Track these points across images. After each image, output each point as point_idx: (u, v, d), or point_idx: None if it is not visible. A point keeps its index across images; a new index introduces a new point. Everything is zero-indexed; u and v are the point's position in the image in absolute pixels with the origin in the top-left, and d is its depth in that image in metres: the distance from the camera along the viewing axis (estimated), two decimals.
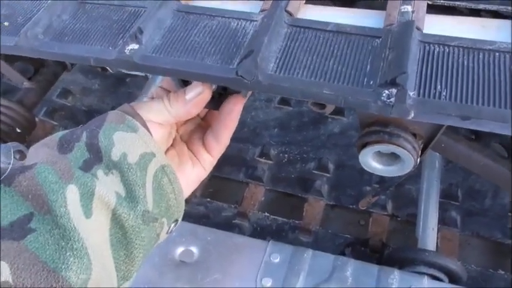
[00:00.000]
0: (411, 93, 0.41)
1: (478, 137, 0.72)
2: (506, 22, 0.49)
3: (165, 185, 0.40)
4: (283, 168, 1.05)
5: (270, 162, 1.07)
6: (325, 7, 0.54)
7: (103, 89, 1.22)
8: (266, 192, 1.02)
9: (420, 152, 0.60)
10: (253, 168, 1.05)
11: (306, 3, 0.55)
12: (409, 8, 0.48)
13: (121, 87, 1.21)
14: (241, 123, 0.99)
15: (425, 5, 0.50)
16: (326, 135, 1.09)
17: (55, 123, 1.17)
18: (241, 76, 0.43)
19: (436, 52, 0.44)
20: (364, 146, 0.59)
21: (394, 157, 0.60)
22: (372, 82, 0.42)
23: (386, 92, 0.41)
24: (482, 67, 0.43)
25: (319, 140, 1.08)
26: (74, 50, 0.51)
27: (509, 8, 0.49)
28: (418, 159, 0.60)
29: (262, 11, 0.51)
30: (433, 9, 0.51)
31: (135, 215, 0.36)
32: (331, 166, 1.04)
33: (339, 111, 1.09)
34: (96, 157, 0.38)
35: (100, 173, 0.37)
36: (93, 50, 0.50)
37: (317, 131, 1.09)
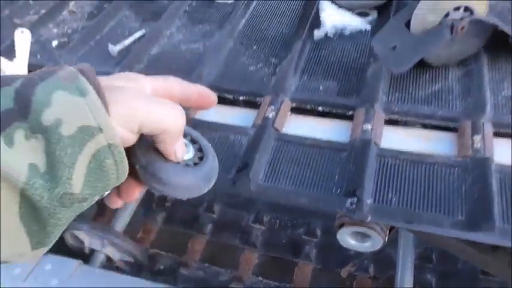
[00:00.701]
0: (368, 201, 0.53)
1: None
2: (447, 134, 0.62)
3: (107, 166, 0.33)
4: (275, 233, 1.16)
5: (263, 227, 1.18)
6: (306, 117, 0.68)
7: None
8: (260, 256, 1.12)
9: (388, 231, 0.72)
10: (248, 234, 1.16)
11: (290, 114, 0.68)
12: (369, 126, 0.61)
13: None
14: None
15: (383, 121, 0.63)
16: None
17: None
18: (237, 186, 0.56)
19: (389, 164, 0.57)
20: (342, 226, 0.71)
21: (366, 236, 0.72)
22: (338, 191, 0.55)
23: (349, 200, 0.53)
24: (424, 178, 0.55)
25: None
26: None
27: (450, 123, 0.62)
28: (386, 238, 0.71)
29: (254, 125, 0.64)
30: (390, 123, 0.64)
31: (50, 197, 0.30)
32: (318, 232, 1.15)
33: None
34: (21, 111, 0.30)
35: (19, 134, 0.29)
36: None
37: None
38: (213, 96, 0.41)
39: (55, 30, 0.89)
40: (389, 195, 0.54)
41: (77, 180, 0.31)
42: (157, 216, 1.22)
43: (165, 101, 0.37)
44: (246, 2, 0.89)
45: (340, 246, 1.06)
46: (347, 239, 0.73)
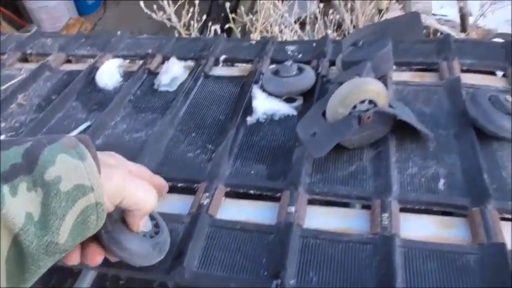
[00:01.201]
0: (291, 282, 0.59)
1: None
2: (363, 212, 0.70)
3: (90, 222, 0.38)
4: None
5: None
6: (239, 201, 0.74)
7: None
8: None
9: None
10: None
11: (225, 199, 0.74)
12: (293, 208, 0.68)
13: None
14: None
15: (306, 202, 0.71)
16: None
17: None
18: (171, 275, 0.60)
19: (311, 244, 0.64)
20: None
21: None
22: (266, 273, 0.61)
23: (275, 282, 0.59)
24: (340, 255, 0.62)
25: None
26: None
27: (364, 202, 0.71)
28: None
29: (189, 213, 0.70)
30: (312, 203, 0.72)
31: (38, 244, 0.34)
32: None
33: None
34: (27, 166, 0.35)
35: (22, 186, 0.34)
36: None
37: None
38: (167, 187, 0.53)
39: (3, 125, 0.93)
40: (310, 274, 0.60)
41: (64, 231, 0.35)
42: None
43: (145, 183, 0.50)
44: (186, 90, 0.97)
45: None
46: None
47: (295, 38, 1.91)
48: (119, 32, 1.19)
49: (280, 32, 1.91)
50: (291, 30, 1.93)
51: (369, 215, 0.68)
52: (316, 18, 2.14)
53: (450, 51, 0.99)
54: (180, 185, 0.76)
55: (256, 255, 0.63)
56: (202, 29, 2.39)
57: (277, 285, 0.59)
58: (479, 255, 0.60)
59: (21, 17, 4.24)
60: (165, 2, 1.98)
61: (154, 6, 2.02)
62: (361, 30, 1.03)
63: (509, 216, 0.66)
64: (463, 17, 3.02)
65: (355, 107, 0.74)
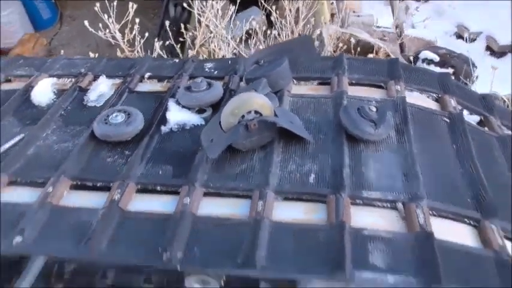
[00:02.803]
0: (178, 254, 0.74)
1: None
2: (246, 201, 0.85)
3: None
4: None
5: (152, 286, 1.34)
6: (148, 196, 0.88)
7: None
8: None
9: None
10: None
11: (136, 195, 0.88)
12: (188, 200, 0.83)
13: None
14: None
15: (202, 194, 0.86)
16: None
17: None
18: (83, 254, 0.74)
19: (199, 227, 0.79)
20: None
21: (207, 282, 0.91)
22: (160, 249, 0.75)
23: (165, 254, 0.73)
24: (221, 235, 0.77)
25: None
26: None
27: (249, 193, 0.86)
28: (223, 283, 0.91)
29: (103, 207, 0.83)
30: (207, 195, 0.87)
31: None
32: None
33: None
34: None
35: None
36: None
37: None
38: None
39: None
40: (195, 249, 0.75)
41: None
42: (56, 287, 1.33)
43: None
44: (111, 104, 1.11)
45: None
46: (193, 284, 0.93)
47: (230, 53, 2.07)
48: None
49: (219, 48, 2.08)
50: (228, 45, 2.09)
51: (250, 203, 0.83)
52: (256, 33, 2.31)
53: (342, 67, 1.17)
54: (98, 184, 0.90)
55: (155, 237, 0.77)
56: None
57: (167, 257, 0.73)
58: (328, 231, 0.76)
59: None
60: (110, 20, 2.10)
61: (100, 25, 2.14)
62: (263, 50, 1.20)
63: (361, 202, 0.83)
64: (398, 29, 3.28)
65: (243, 116, 0.90)
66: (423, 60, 2.71)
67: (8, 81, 1.27)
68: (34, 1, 4.41)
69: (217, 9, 2.15)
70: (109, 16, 2.13)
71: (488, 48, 4.10)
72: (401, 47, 3.31)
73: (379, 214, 0.81)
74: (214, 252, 0.75)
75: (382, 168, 0.89)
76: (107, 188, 0.89)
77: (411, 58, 2.81)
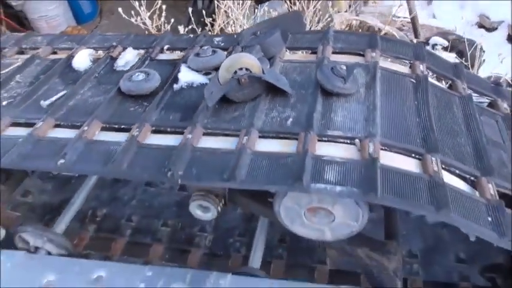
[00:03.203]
0: (180, 172, 0.97)
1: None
2: (234, 139, 1.07)
3: None
4: (177, 232, 1.58)
5: (168, 229, 1.59)
6: (162, 135, 1.12)
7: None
8: (164, 248, 1.52)
9: (221, 204, 1.15)
10: (156, 233, 1.57)
11: (151, 134, 1.12)
12: (190, 136, 1.06)
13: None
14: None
15: (201, 133, 1.09)
16: None
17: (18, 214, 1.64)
18: (109, 171, 0.99)
19: (197, 155, 1.02)
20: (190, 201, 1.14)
21: (207, 208, 1.14)
22: (165, 169, 0.98)
23: (169, 172, 0.97)
24: (214, 161, 1.00)
25: None
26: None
27: (237, 133, 1.08)
28: (220, 209, 1.14)
29: (125, 141, 1.08)
30: (207, 134, 1.09)
31: None
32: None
33: None
34: None
35: None
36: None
37: None
38: None
39: (5, 94, 1.32)
40: (193, 170, 0.98)
41: None
42: (89, 227, 1.61)
43: None
44: (135, 69, 1.36)
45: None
46: (195, 210, 1.16)
47: None
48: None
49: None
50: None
51: (236, 140, 1.05)
52: None
53: (327, 38, 1.37)
54: (122, 126, 1.14)
55: (162, 161, 1.01)
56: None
57: (170, 174, 0.96)
58: (295, 157, 0.97)
59: (23, 26, 4.65)
60: (141, 9, 2.37)
61: (132, 12, 2.41)
62: (259, 23, 1.42)
63: (326, 139, 1.03)
64: (413, 20, 3.40)
65: (235, 72, 1.12)
66: (433, 46, 2.83)
67: (54, 53, 1.55)
68: None
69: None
70: (140, 5, 2.40)
71: (509, 36, 4.13)
72: (417, 34, 3.42)
73: (340, 147, 1.02)
74: (207, 171, 0.98)
75: (347, 114, 1.10)
76: (128, 129, 1.13)
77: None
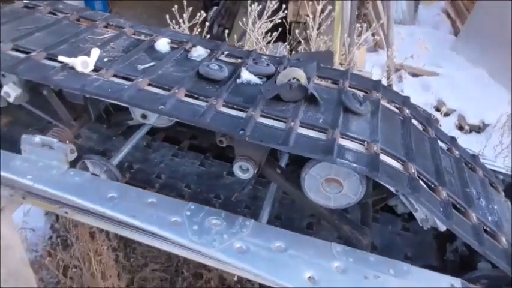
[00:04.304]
0: (247, 133, 1.40)
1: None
2: (281, 123, 1.53)
3: None
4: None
5: (190, 191, 1.96)
6: (229, 109, 1.56)
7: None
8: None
9: (257, 169, 1.58)
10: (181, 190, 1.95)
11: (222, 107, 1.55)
12: (252, 114, 1.50)
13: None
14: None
15: (259, 115, 1.53)
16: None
17: None
18: (200, 121, 1.41)
19: (256, 127, 1.46)
20: (235, 161, 1.56)
21: (245, 169, 1.57)
22: (239, 129, 1.42)
23: (241, 132, 1.40)
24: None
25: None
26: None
27: (284, 119, 1.54)
28: (256, 172, 1.57)
29: (204, 107, 1.50)
30: (264, 117, 1.54)
31: None
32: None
33: None
34: None
35: None
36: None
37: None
38: None
39: (105, 54, 1.71)
40: (256, 135, 1.42)
41: None
42: (126, 174, 1.96)
43: None
44: (212, 55, 1.80)
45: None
46: (237, 171, 1.58)
47: None
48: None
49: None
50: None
51: (284, 124, 1.50)
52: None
53: (346, 76, 1.89)
54: (201, 97, 1.57)
55: (235, 124, 1.44)
56: None
57: (242, 132, 1.39)
58: (325, 141, 1.44)
59: None
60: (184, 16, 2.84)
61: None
62: (302, 53, 1.92)
63: (345, 137, 1.51)
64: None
65: (289, 80, 1.60)
66: None
67: (135, 34, 1.96)
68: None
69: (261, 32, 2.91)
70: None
71: (459, 125, 4.96)
72: None
73: (354, 144, 1.49)
74: (266, 137, 1.42)
75: (359, 126, 1.58)
76: (206, 101, 1.56)
77: None
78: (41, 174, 1.58)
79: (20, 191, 1.68)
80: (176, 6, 2.86)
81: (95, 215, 1.57)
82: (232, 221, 1.51)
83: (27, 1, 2.03)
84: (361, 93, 1.80)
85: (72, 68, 1.57)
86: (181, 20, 2.92)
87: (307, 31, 2.88)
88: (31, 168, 1.60)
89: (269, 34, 3.01)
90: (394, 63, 4.61)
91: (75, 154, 1.64)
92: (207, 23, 2.99)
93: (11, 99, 1.67)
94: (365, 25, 3.44)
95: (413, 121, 1.83)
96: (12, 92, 1.65)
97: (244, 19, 2.97)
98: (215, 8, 4.39)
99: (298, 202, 1.80)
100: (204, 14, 2.89)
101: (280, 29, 2.91)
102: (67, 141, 1.67)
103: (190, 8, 2.90)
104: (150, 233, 1.48)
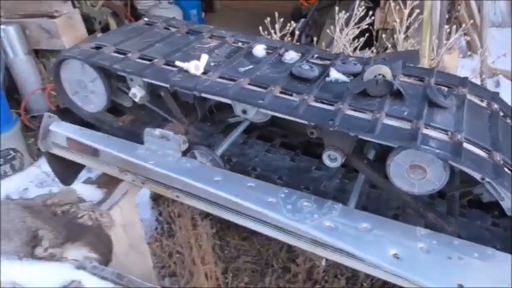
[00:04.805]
0: (336, 124, 1.57)
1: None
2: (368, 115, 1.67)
3: None
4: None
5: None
6: (321, 104, 1.74)
7: None
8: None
9: (344, 158, 1.73)
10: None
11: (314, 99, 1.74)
12: (341, 106, 1.66)
13: None
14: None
15: (348, 108, 1.69)
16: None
17: None
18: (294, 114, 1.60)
19: (346, 116, 1.62)
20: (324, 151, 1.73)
21: (334, 159, 1.73)
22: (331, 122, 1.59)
23: (330, 122, 1.57)
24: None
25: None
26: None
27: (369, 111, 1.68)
28: (343, 160, 1.72)
29: (297, 102, 1.70)
30: (352, 110, 1.70)
31: None
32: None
33: None
34: None
35: None
36: None
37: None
38: None
39: (211, 59, 1.99)
40: (345, 125, 1.58)
41: None
42: (226, 165, 2.22)
43: None
44: (304, 58, 2.00)
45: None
46: (326, 159, 1.74)
47: None
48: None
49: None
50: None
51: (370, 115, 1.64)
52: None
53: (432, 73, 1.97)
54: (293, 94, 1.77)
55: (324, 116, 1.61)
56: None
57: (331, 122, 1.56)
58: (410, 130, 1.55)
59: None
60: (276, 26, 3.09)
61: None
62: (387, 53, 2.04)
63: (429, 127, 1.61)
64: None
65: (375, 76, 1.74)
66: None
67: (235, 42, 2.23)
68: None
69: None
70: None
71: None
72: None
73: (437, 133, 1.58)
74: (353, 126, 1.57)
75: (443, 118, 1.67)
76: (298, 97, 1.75)
77: None
78: (160, 161, 1.89)
79: (140, 177, 2.02)
80: (268, 19, 3.13)
81: (202, 198, 1.83)
82: (322, 204, 1.68)
83: (147, 19, 2.41)
84: (446, 89, 1.88)
85: (186, 71, 1.86)
86: (272, 31, 3.17)
87: (394, 35, 2.96)
88: (152, 156, 1.92)
89: (355, 40, 3.14)
90: (489, 67, 4.43)
91: (187, 145, 1.93)
92: (297, 33, 3.22)
93: (137, 99, 2.01)
94: (454, 27, 3.40)
95: (502, 116, 1.86)
96: (138, 93, 1.99)
97: (332, 27, 3.14)
98: (303, 19, 4.62)
99: (384, 191, 1.91)
100: (294, 25, 3.11)
101: (367, 34, 3.03)
102: (180, 134, 1.97)
103: (281, 19, 3.15)
104: (249, 215, 1.70)
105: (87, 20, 4.56)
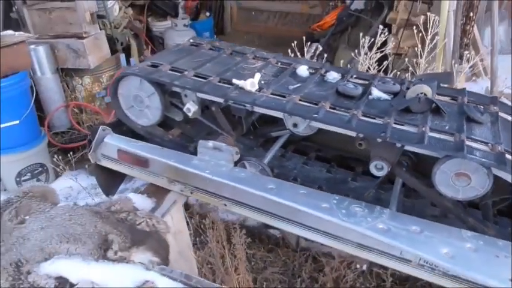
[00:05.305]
0: (387, 134, 1.73)
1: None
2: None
3: None
4: None
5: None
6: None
7: None
8: None
9: (390, 167, 1.89)
10: None
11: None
12: (388, 120, 1.83)
13: None
14: None
15: (393, 122, 1.86)
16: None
17: None
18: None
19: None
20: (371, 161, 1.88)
21: (380, 168, 1.88)
22: (382, 134, 1.75)
23: (382, 134, 1.73)
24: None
25: None
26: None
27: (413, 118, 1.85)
28: (389, 169, 1.88)
29: (350, 115, 1.86)
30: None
31: None
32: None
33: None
34: None
35: None
36: None
37: None
38: None
39: (261, 77, 2.16)
40: (396, 136, 1.74)
41: None
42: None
43: None
44: (340, 83, 2.17)
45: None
46: (372, 168, 1.90)
47: None
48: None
49: None
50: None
51: (416, 128, 1.81)
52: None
53: (464, 93, 2.15)
54: (342, 109, 1.93)
55: (375, 128, 1.78)
56: None
57: (383, 134, 1.72)
58: (454, 143, 1.72)
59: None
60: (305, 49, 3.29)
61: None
62: (425, 74, 2.23)
63: (471, 140, 1.77)
64: None
65: (418, 94, 1.91)
66: None
67: (277, 63, 2.41)
68: None
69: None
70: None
71: None
72: None
73: (479, 145, 1.75)
74: (403, 137, 1.73)
75: (482, 132, 1.84)
76: (348, 112, 1.92)
77: None
78: (215, 170, 2.03)
79: (189, 186, 2.15)
80: (295, 42, 3.34)
81: (250, 206, 1.97)
82: (372, 209, 1.82)
83: (193, 41, 2.59)
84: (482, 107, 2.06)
85: (242, 88, 2.03)
86: (299, 53, 3.38)
87: (414, 59, 3.18)
88: (206, 166, 2.06)
89: (377, 64, 3.36)
90: (498, 92, 4.68)
91: (239, 155, 2.08)
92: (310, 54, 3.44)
93: (190, 114, 2.17)
94: (466, 52, 3.64)
95: None
96: (192, 107, 2.15)
97: (356, 50, 3.37)
98: (317, 44, 4.85)
99: (417, 200, 2.07)
100: (320, 48, 3.33)
101: (390, 58, 3.25)
102: (232, 146, 2.12)
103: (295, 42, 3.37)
104: (300, 223, 1.83)
105: (110, 41, 4.75)
